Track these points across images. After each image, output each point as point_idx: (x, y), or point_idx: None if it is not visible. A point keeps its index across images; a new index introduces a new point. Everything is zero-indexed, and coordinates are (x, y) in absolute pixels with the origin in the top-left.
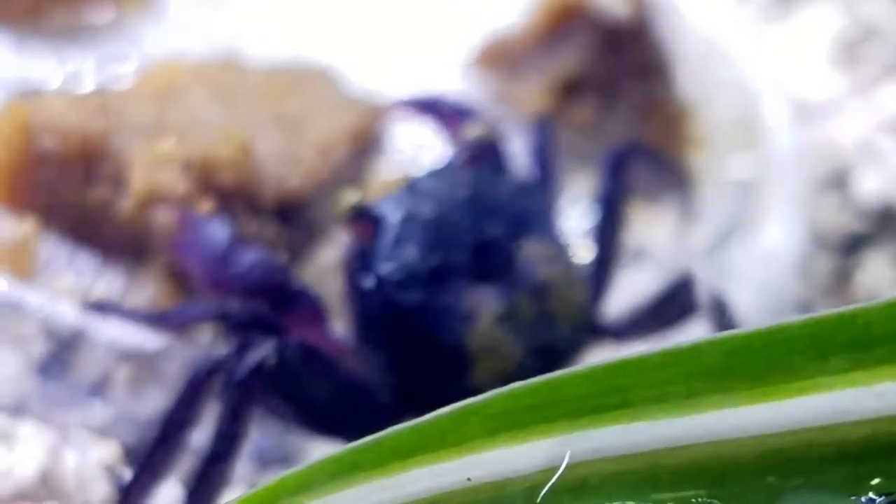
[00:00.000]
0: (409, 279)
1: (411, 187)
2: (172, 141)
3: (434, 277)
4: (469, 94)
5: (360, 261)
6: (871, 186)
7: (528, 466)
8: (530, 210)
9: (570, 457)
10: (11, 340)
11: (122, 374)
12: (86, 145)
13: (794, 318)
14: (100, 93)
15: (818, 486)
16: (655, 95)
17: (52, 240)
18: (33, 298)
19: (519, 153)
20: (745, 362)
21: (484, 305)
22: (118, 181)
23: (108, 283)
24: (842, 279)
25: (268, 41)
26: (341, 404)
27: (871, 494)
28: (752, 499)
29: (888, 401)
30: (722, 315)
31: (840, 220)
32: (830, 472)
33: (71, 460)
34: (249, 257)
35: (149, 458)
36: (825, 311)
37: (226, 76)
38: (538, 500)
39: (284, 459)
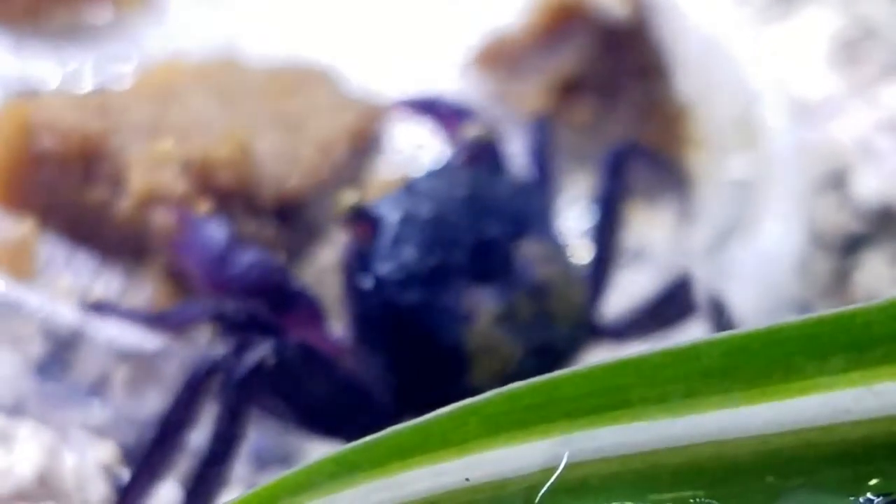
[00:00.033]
0: (408, 279)
1: (410, 187)
2: (171, 141)
3: (433, 277)
4: (468, 94)
5: (358, 261)
6: (870, 186)
7: (527, 466)
8: (529, 210)
9: (569, 457)
10: (10, 340)
11: (120, 374)
12: (85, 145)
13: (792, 318)
14: (99, 93)
15: (817, 487)
16: (654, 95)
17: (51, 240)
18: (32, 298)
19: (517, 153)
20: (744, 362)
21: (482, 305)
22: (117, 181)
23: (107, 283)
24: (841, 279)
25: (267, 41)
26: (340, 404)
27: (869, 495)
28: (751, 499)
29: (887, 401)
30: (720, 315)
31: (839, 220)
32: (829, 473)
33: (69, 461)
34: (248, 257)
35: (147, 459)
36: (824, 311)
37: (225, 76)
38: (537, 500)
39: (283, 460)
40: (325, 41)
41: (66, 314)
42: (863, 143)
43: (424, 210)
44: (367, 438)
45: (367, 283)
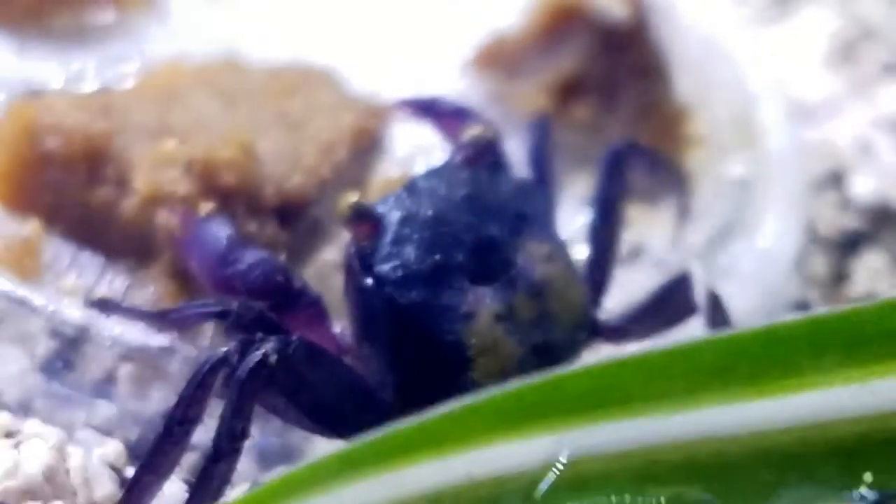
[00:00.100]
0: (409, 278)
1: (411, 187)
2: (175, 141)
3: (433, 276)
4: (468, 95)
5: (360, 260)
6: (868, 186)
7: (528, 462)
8: (529, 209)
9: (569, 453)
10: (16, 340)
11: (125, 372)
12: (89, 146)
13: (790, 316)
14: (103, 94)
15: (813, 482)
16: (654, 96)
17: (56, 239)
18: (38, 298)
19: (518, 153)
20: (742, 361)
21: (483, 304)
22: (121, 181)
23: (112, 282)
24: (838, 277)
25: (268, 42)
26: (342, 402)
27: (864, 490)
28: (748, 494)
29: (883, 398)
30: (718, 312)
31: (837, 219)
32: (826, 469)
33: (75, 458)
34: (251, 257)
35: (152, 456)
36: (821, 309)
37: (227, 77)
38: (538, 495)
39: (286, 457)
40: (326, 42)
41: (72, 313)
42: (861, 142)
43: (425, 210)
44: (370, 435)
45: (369, 281)
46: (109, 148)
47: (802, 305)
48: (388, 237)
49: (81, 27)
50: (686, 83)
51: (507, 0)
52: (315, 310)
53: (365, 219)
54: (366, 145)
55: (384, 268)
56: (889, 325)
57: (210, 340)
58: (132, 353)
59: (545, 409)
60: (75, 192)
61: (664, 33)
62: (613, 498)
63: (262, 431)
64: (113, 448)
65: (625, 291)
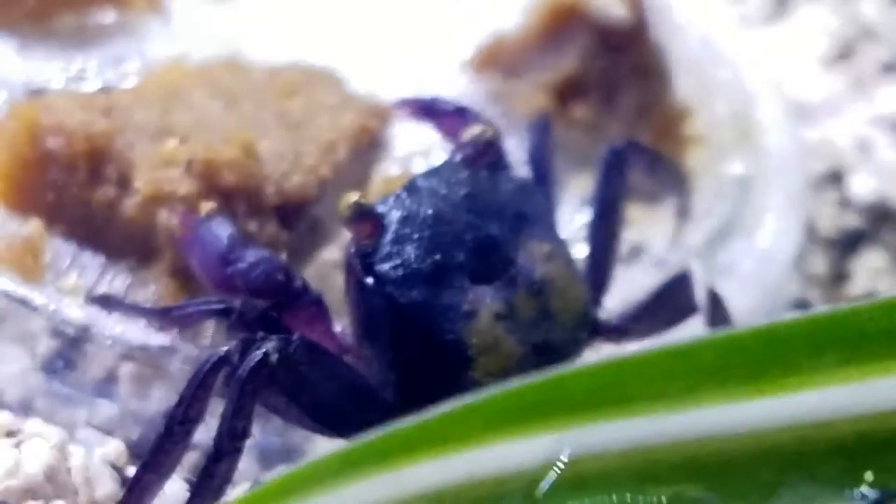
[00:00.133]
0: (410, 277)
1: (412, 186)
2: (176, 141)
3: (434, 276)
4: (468, 94)
5: (360, 259)
6: (867, 185)
7: (529, 461)
8: (529, 209)
9: (570, 452)
10: (17, 339)
11: (127, 371)
12: (90, 146)
13: (789, 315)
14: (104, 94)
15: (813, 481)
16: (653, 96)
17: (58, 239)
18: (39, 297)
19: (518, 153)
20: (742, 360)
21: (483, 303)
22: (122, 181)
23: (112, 281)
24: (838, 276)
25: (270, 43)
26: (343, 401)
27: (864, 489)
28: (748, 493)
29: (882, 397)
30: (716, 310)
31: (836, 218)
32: (825, 467)
33: (77, 457)
34: (252, 256)
35: (153, 455)
36: (820, 308)
37: (228, 77)
38: (538, 494)
39: (287, 456)
40: (327, 42)
41: (73, 313)
42: (860, 141)
43: (426, 209)
44: (371, 434)
45: (370, 281)
46: (111, 148)
47: (802, 304)
48: (389, 236)
49: (83, 27)
50: (685, 83)
51: (507, 0)
52: (316, 309)
53: (365, 218)
54: (366, 145)
55: (385, 267)
56: (888, 325)
57: (211, 340)
58: (133, 353)
59: (546, 409)
60: (76, 192)
61: (664, 33)
62: (614, 497)
63: (262, 431)
64: (114, 447)
65: (625, 291)
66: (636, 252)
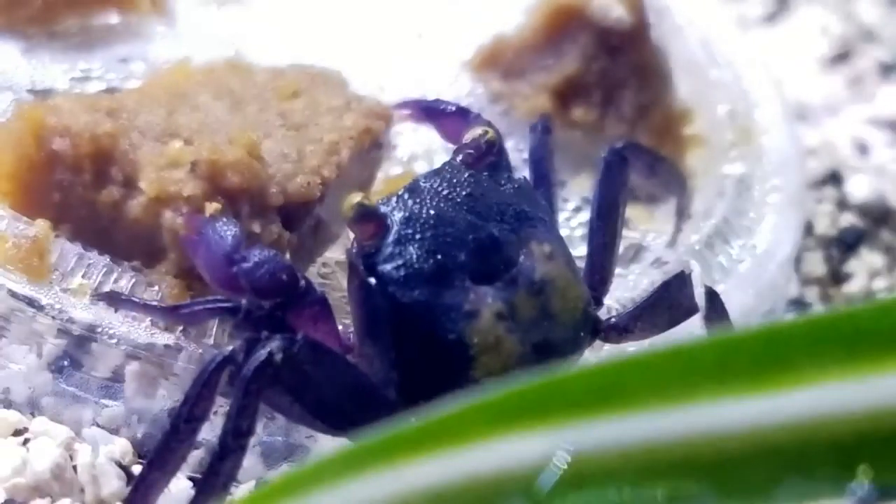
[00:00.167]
0: (412, 277)
1: (413, 187)
2: (180, 142)
3: (436, 276)
4: (469, 96)
5: (363, 259)
6: (865, 185)
7: (529, 460)
8: (530, 209)
9: (570, 450)
10: (24, 338)
11: (132, 371)
12: (96, 147)
13: (787, 317)
14: (109, 95)
15: (811, 478)
16: (653, 97)
17: (64, 240)
18: (45, 297)
19: (518, 153)
20: (741, 360)
21: (485, 303)
22: (128, 182)
23: (118, 281)
24: (836, 276)
25: (273, 44)
26: (346, 400)
27: (860, 486)
28: (746, 490)
29: (880, 395)
30: (715, 308)
31: (834, 218)
32: (823, 465)
33: (83, 456)
34: (257, 256)
35: (159, 453)
36: (819, 308)
37: (232, 79)
38: (539, 492)
39: (291, 455)
40: (330, 44)
41: (79, 313)
42: (858, 142)
43: (427, 210)
44: (374, 433)
45: (372, 281)
46: (116, 149)
47: (800, 304)
48: (392, 237)
49: (88, 29)
50: (685, 84)
51: (508, 2)
52: (319, 309)
53: (368, 219)
54: (368, 146)
55: (387, 267)
56: (887, 325)
57: (214, 339)
58: (139, 352)
59: (546, 408)
60: (82, 193)
61: (663, 34)
62: (613, 494)
63: (266, 429)
64: (120, 446)
65: (625, 291)
66: (636, 252)
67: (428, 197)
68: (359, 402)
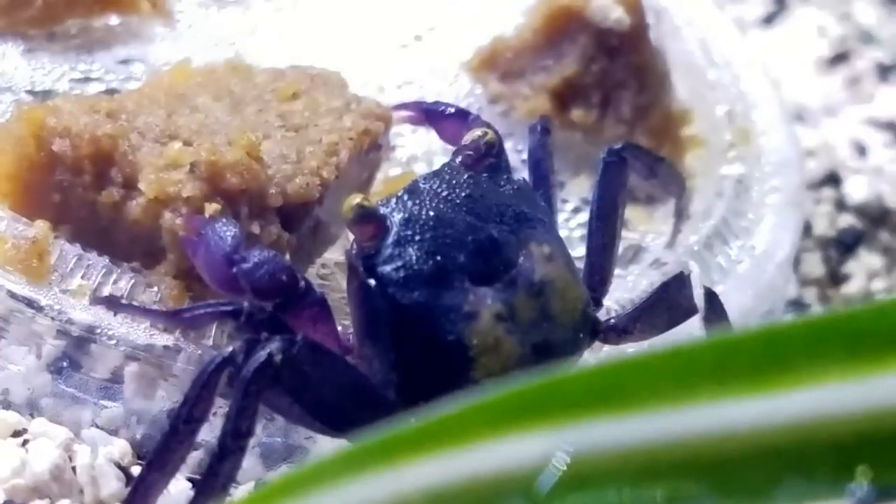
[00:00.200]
0: (412, 279)
1: (413, 189)
2: (180, 144)
3: (435, 277)
4: (468, 97)
5: (363, 261)
6: (864, 186)
7: (529, 460)
8: (529, 211)
9: (569, 451)
10: (24, 339)
11: (131, 372)
12: (96, 148)
13: (787, 318)
14: (110, 97)
15: (811, 479)
16: (652, 98)
17: (64, 241)
18: (44, 298)
19: (518, 155)
20: (740, 360)
21: (484, 304)
22: (127, 183)
23: (117, 282)
24: (834, 277)
25: (273, 46)
26: (346, 401)
27: (859, 486)
28: (746, 491)
29: (880, 396)
30: (713, 309)
31: (832, 219)
32: (823, 465)
33: (82, 457)
34: (257, 256)
35: (158, 454)
36: (818, 310)
37: (232, 80)
38: (538, 492)
39: (290, 456)
40: (329, 46)
41: (78, 314)
42: (856, 143)
43: (427, 211)
44: (373, 433)
45: (372, 282)
46: (116, 150)
47: (799, 304)
48: (391, 238)
49: (88, 31)
50: (684, 85)
51: (507, 3)
52: (319, 310)
53: (368, 220)
54: (368, 147)
55: (387, 268)
56: (885, 325)
57: (213, 340)
58: (138, 353)
59: (545, 408)
60: (82, 194)
61: (662, 36)
62: (613, 495)
63: (265, 430)
64: (119, 447)
65: (624, 292)
66: (635, 253)
67: (427, 198)
68: (358, 403)
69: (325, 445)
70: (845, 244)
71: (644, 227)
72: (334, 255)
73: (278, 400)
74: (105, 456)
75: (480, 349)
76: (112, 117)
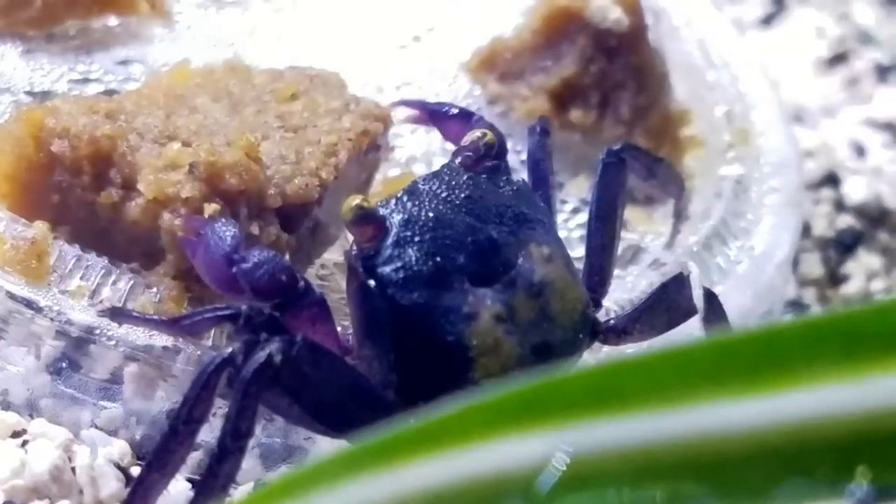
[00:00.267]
0: (411, 279)
1: (413, 189)
2: (179, 144)
3: (435, 278)
4: (468, 98)
5: (362, 262)
6: (862, 186)
7: (528, 461)
8: (528, 211)
9: (569, 451)
10: (23, 340)
11: (131, 372)
12: (95, 149)
13: (786, 318)
14: (108, 97)
15: (809, 479)
16: (651, 99)
17: (63, 241)
18: (44, 299)
19: (517, 155)
20: (739, 361)
21: (483, 305)
22: (126, 184)
23: (116, 283)
24: (833, 277)
25: (272, 47)
26: (345, 401)
27: (858, 486)
28: (745, 491)
29: (878, 396)
30: (712, 309)
31: (831, 220)
32: (822, 465)
33: (82, 457)
34: (256, 257)
35: (158, 455)
36: (817, 310)
37: (231, 81)
38: (538, 492)
39: (290, 456)
40: (328, 46)
41: (78, 314)
42: (855, 143)
43: (426, 212)
44: (373, 434)
45: (371, 283)
46: (115, 151)
47: (798, 305)
48: (391, 239)
49: (87, 32)
50: (683, 86)
51: (506, 4)
52: (318, 310)
53: (368, 221)
54: (367, 148)
55: (386, 269)
56: (884, 326)
57: (212, 341)
58: (137, 354)
59: (545, 408)
60: (81, 195)
61: (661, 37)
62: (613, 495)
63: (265, 431)
64: (119, 447)
65: (623, 292)
66: (635, 253)
67: (427, 199)
68: (358, 403)
69: (325, 446)
70: (844, 245)
71: (643, 228)
72: (333, 255)
73: (278, 400)
74: (104, 456)
75: (480, 350)
76: (111, 118)
